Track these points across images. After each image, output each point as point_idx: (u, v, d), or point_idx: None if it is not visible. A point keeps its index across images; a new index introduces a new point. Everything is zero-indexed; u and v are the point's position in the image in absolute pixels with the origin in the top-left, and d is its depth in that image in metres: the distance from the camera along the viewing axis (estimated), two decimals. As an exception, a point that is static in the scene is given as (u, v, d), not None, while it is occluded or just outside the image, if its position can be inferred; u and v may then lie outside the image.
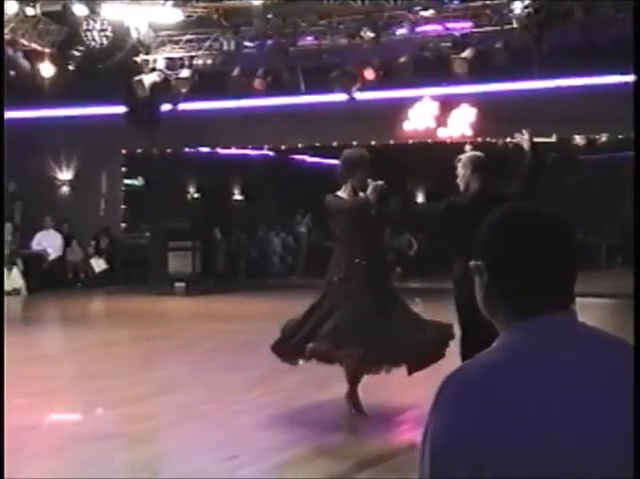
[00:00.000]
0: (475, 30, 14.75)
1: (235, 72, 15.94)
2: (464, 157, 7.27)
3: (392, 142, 19.04)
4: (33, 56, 15.66)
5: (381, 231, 7.85)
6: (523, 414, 1.51)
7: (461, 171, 7.18)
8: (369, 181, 7.33)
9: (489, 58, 14.60)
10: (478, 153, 7.44)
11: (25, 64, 15.42)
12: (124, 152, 21.16)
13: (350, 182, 7.51)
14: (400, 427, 7.56)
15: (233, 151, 21.93)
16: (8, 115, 18.22)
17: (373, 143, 18.88)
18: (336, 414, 7.62)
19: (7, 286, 18.44)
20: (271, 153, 22.66)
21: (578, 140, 18.94)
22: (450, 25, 14.92)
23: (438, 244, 8.19)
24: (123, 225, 21.34)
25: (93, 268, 20.21)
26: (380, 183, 7.32)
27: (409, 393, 8.29)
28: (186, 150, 21.26)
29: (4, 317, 8.45)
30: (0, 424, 6.00)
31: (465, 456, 1.51)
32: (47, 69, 15.66)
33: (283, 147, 21.22)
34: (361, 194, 7.43)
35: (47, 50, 15.79)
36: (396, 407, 7.93)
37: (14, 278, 18.73)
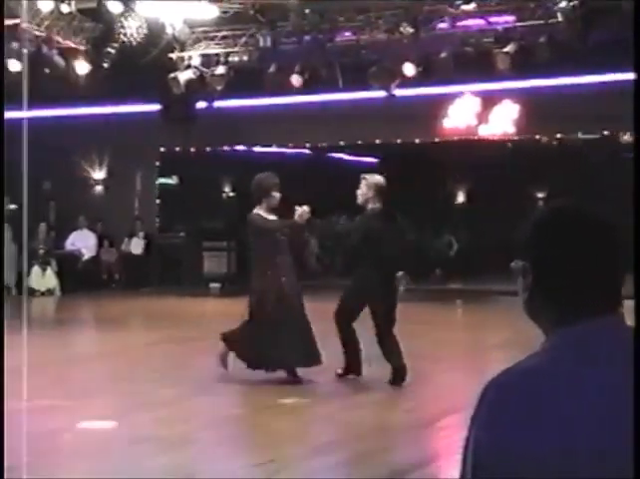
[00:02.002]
0: (517, 24, 14.44)
1: (272, 69, 15.73)
2: (368, 178, 8.68)
3: (432, 140, 18.78)
4: (68, 53, 15.53)
5: (303, 249, 9.11)
6: (556, 419, 1.52)
7: (363, 189, 8.65)
8: (296, 207, 8.52)
9: (533, 53, 14.33)
10: (379, 178, 8.74)
11: (60, 62, 15.29)
12: (158, 150, 21.00)
13: (265, 202, 8.80)
14: (437, 434, 7.44)
15: (269, 149, 21.68)
16: (42, 113, 18.11)
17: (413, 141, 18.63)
18: (372, 418, 7.62)
19: (41, 287, 18.45)
20: (308, 151, 22.40)
21: (625, 137, 18.51)
22: (492, 19, 14.65)
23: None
24: (157, 224, 21.19)
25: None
26: (305, 209, 8.52)
27: (446, 399, 8.30)
28: (222, 148, 21.06)
29: (4, 317, 8.45)
30: (0, 425, 5.82)
31: (500, 460, 1.53)
32: (82, 66, 15.53)
33: (320, 145, 20.98)
34: (294, 215, 8.60)
35: (82, 47, 15.66)
36: (433, 413, 7.85)
37: (48, 279, 18.71)
